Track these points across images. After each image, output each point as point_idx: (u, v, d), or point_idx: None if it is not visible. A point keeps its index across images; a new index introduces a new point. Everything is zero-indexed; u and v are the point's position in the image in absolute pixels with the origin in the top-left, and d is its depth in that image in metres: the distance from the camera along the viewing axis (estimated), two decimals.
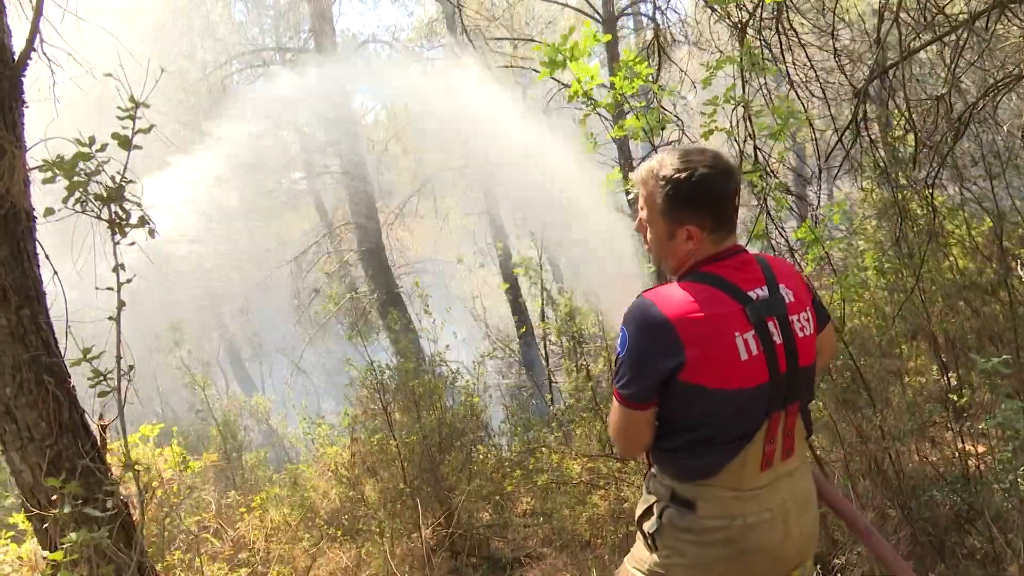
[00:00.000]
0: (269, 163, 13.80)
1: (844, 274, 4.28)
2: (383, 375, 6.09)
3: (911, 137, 4.98)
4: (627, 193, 4.51)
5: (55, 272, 3.22)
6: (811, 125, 5.06)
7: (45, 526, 2.56)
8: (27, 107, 3.31)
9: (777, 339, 1.84)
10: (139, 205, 2.10)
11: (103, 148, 2.02)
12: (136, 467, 2.26)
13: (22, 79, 3.27)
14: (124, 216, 2.05)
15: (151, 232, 2.21)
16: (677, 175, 1.89)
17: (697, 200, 1.90)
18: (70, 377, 3.16)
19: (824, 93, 5.31)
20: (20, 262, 3.12)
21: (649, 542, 2.02)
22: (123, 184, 2.05)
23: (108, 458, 3.18)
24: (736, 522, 1.88)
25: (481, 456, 7.13)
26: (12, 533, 3.67)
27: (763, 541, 1.89)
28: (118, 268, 2.15)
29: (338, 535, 5.92)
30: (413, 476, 5.99)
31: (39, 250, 3.25)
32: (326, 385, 16.27)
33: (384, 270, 10.30)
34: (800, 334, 1.89)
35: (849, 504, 2.24)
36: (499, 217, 15.13)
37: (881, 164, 5.01)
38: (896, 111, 5.04)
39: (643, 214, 2.03)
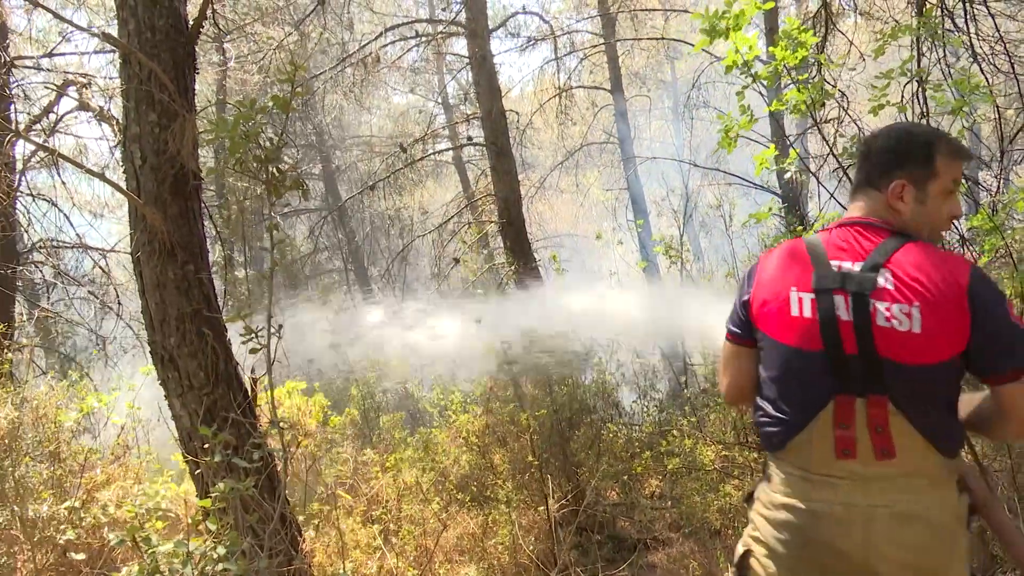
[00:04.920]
0: (415, 133, 14.15)
1: None
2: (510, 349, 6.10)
3: None
4: (781, 173, 4.26)
5: (217, 231, 3.39)
6: (995, 103, 4.60)
7: (199, 471, 2.71)
8: (198, 73, 3.51)
9: (844, 315, 1.76)
10: (294, 167, 2.16)
11: (263, 111, 2.09)
12: (281, 424, 2.34)
13: (195, 47, 3.47)
14: (280, 177, 2.11)
15: (304, 194, 2.28)
16: None
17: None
18: (227, 331, 3.36)
19: (1012, 67, 4.81)
20: (187, 220, 3.32)
21: (748, 513, 2.05)
22: (280, 146, 2.11)
23: (267, 411, 3.36)
24: (801, 506, 1.81)
25: (611, 435, 7.07)
26: (172, 472, 3.96)
27: (833, 539, 1.75)
28: (272, 228, 2.22)
29: (467, 501, 6.04)
30: (542, 450, 6.01)
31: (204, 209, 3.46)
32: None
33: (522, 243, 10.32)
34: (883, 323, 1.71)
35: (1013, 530, 1.95)
36: (640, 194, 14.86)
37: None
38: None
39: None
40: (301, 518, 3.90)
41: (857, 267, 1.78)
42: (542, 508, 5.33)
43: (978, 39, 4.96)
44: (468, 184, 16.90)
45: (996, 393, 1.74)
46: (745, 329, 1.99)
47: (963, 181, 4.31)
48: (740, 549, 2.01)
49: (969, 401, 1.89)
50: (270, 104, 2.06)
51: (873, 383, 1.74)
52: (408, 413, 10.26)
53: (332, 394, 10.13)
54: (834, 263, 1.81)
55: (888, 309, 1.72)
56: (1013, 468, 4.13)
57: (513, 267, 9.82)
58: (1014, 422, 1.75)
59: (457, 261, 11.79)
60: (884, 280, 1.74)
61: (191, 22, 3.41)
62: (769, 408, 1.91)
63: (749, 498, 2.06)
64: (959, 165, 1.89)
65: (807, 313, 1.80)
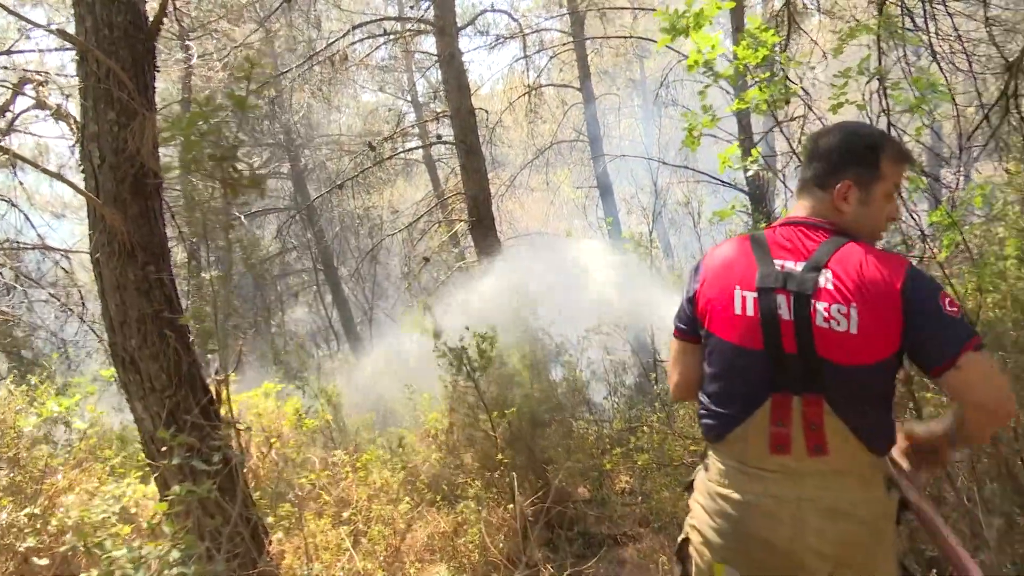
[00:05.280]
0: (384, 131, 14.08)
1: (983, 262, 3.94)
2: (480, 346, 6.06)
3: None
4: (746, 170, 4.30)
5: (181, 231, 3.35)
6: (953, 100, 4.69)
7: (158, 475, 2.68)
8: (159, 71, 3.46)
9: (785, 315, 1.79)
10: (251, 166, 2.14)
11: (218, 108, 2.06)
12: (239, 424, 2.32)
13: (155, 44, 3.41)
14: (236, 176, 2.08)
15: (262, 193, 2.26)
16: None
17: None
18: (190, 332, 3.31)
19: (971, 66, 4.90)
20: (148, 220, 3.27)
21: (688, 500, 2.11)
22: (236, 144, 2.09)
23: (223, 413, 3.31)
24: (734, 496, 1.86)
25: (581, 431, 7.09)
26: (140, 474, 3.90)
27: (762, 531, 1.81)
28: (227, 228, 2.20)
29: (437, 500, 6.02)
30: (511, 448, 6.01)
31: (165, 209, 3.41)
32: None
33: (492, 241, 10.31)
34: (822, 323, 1.75)
35: (940, 524, 1.98)
36: (610, 191, 14.92)
37: None
38: None
39: None
40: (270, 520, 3.86)
41: (799, 267, 1.82)
42: (512, 506, 5.33)
43: (937, 38, 5.05)
44: (438, 182, 16.86)
45: (945, 382, 1.75)
46: (691, 325, 2.03)
47: (923, 178, 4.39)
48: (680, 537, 2.08)
49: (944, 419, 1.89)
50: (227, 102, 2.03)
51: (810, 382, 1.77)
52: (378, 414, 10.22)
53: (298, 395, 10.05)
54: (777, 262, 1.84)
55: (827, 309, 1.75)
56: (972, 458, 4.21)
57: (483, 265, 9.82)
58: (971, 404, 1.75)
59: (427, 260, 11.76)
60: (824, 280, 1.77)
61: (151, 19, 3.36)
62: (709, 403, 1.96)
63: (689, 487, 2.11)
64: (903, 168, 1.93)
65: (750, 312, 1.83)
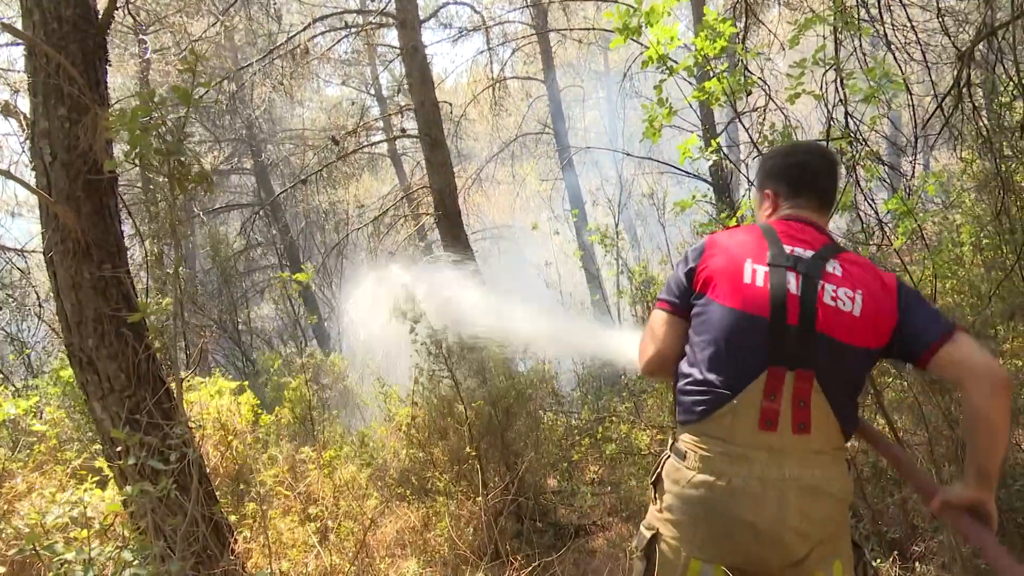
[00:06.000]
0: (348, 125, 13.95)
1: (938, 249, 4.02)
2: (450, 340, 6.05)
3: (1019, 104, 4.63)
4: (707, 160, 4.33)
5: (137, 228, 3.29)
6: (908, 90, 4.76)
7: (112, 477, 2.63)
8: (110, 65, 3.39)
9: (793, 290, 1.88)
10: (198, 160, 2.11)
11: (162, 103, 2.02)
12: (191, 423, 2.29)
13: (106, 38, 3.34)
14: (184, 171, 2.05)
15: (209, 188, 2.22)
16: (770, 152, 2.25)
17: (775, 169, 2.19)
18: (147, 331, 3.26)
19: (924, 56, 4.99)
20: (103, 217, 3.21)
21: (652, 494, 2.08)
22: (182, 138, 2.05)
23: (182, 411, 3.26)
24: (719, 482, 1.86)
25: (550, 423, 7.11)
26: (97, 478, 3.83)
27: (749, 514, 1.82)
28: (175, 224, 2.16)
29: (406, 494, 6.01)
30: (479, 440, 6.01)
31: (121, 206, 3.35)
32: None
33: (459, 234, 10.28)
34: (828, 302, 1.87)
35: (911, 463, 2.07)
36: (576, 184, 14.94)
37: (984, 133, 4.67)
38: (1004, 76, 4.68)
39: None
40: (233, 518, 3.82)
41: (808, 254, 1.94)
42: (480, 499, 5.34)
43: (893, 29, 5.13)
44: (404, 176, 16.78)
45: (940, 359, 1.83)
46: (684, 300, 2.06)
47: (880, 166, 4.46)
48: (646, 533, 2.02)
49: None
50: (172, 96, 1.99)
51: (804, 357, 1.84)
52: (348, 409, 10.16)
53: (267, 392, 9.97)
54: (787, 247, 1.95)
55: (835, 291, 1.87)
56: (931, 441, 4.30)
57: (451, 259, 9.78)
58: (970, 372, 1.77)
59: (393, 255, 11.69)
60: (833, 268, 1.91)
61: (102, 12, 3.29)
62: (697, 373, 1.95)
63: (656, 480, 2.06)
64: None
65: (759, 283, 1.90)
